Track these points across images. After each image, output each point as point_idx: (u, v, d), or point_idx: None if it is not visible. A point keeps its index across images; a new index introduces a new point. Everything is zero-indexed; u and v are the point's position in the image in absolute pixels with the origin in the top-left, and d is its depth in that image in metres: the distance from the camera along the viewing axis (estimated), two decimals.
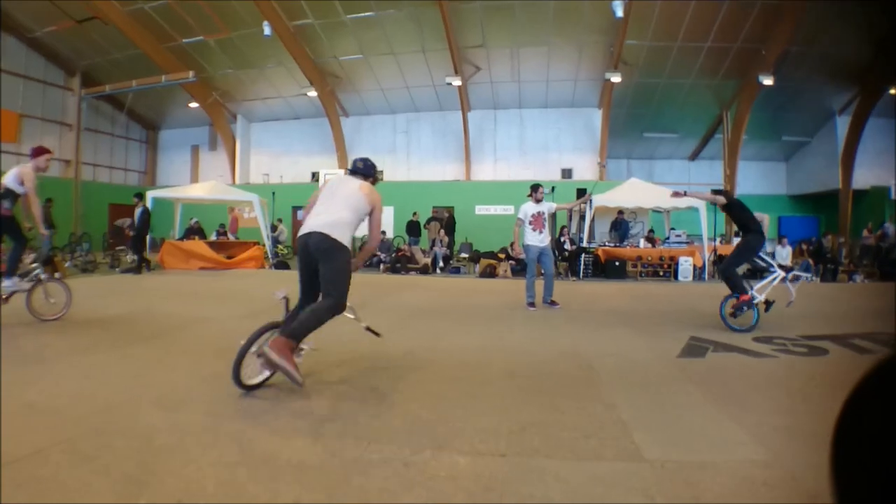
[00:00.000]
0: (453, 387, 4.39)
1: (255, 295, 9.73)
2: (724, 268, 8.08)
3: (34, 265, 7.23)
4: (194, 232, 18.31)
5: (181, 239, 17.51)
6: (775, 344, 6.42)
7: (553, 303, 9.24)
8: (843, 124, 24.22)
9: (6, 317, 6.47)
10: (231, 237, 18.58)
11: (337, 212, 4.37)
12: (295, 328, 3.84)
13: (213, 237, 18.35)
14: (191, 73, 21.08)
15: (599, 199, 16.88)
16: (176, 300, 9.38)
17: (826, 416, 2.89)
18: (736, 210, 8.18)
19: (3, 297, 6.74)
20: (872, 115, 22.82)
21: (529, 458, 3.00)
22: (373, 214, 4.63)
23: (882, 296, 12.16)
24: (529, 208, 9.49)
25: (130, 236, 15.62)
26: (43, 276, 7.10)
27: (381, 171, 4.23)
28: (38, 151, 7.20)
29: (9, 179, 6.89)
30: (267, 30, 19.70)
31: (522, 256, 12.04)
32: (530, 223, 9.42)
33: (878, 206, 23.32)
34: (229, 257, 16.51)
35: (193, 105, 24.60)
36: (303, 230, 4.31)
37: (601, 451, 3.13)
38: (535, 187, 9.56)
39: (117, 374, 4.46)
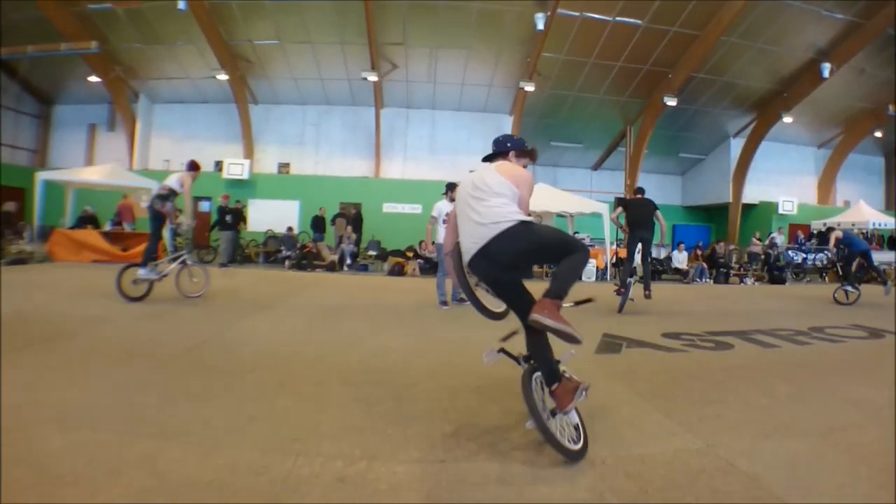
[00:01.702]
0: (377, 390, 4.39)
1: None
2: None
3: (180, 252, 9.12)
4: (87, 221, 17.28)
5: (73, 228, 16.50)
6: (683, 339, 6.89)
7: (463, 300, 9.39)
8: (736, 145, 26.68)
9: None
10: (126, 227, 17.59)
11: (489, 209, 3.47)
12: (557, 287, 3.27)
13: (107, 227, 17.30)
14: (94, 44, 19.70)
15: None
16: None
17: (745, 403, 3.86)
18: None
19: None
20: (765, 138, 25.20)
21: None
22: (520, 197, 3.61)
23: (772, 296, 13.29)
24: (444, 207, 9.44)
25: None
26: (189, 262, 9.15)
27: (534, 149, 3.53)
28: (195, 166, 9.42)
29: (172, 182, 8.91)
30: (182, 4, 18.37)
31: (433, 255, 12.10)
32: (444, 222, 9.14)
33: (764, 219, 26.21)
34: (124, 249, 15.58)
35: (94, 79, 22.80)
36: (469, 254, 3.51)
37: (542, 451, 3.22)
38: (451, 186, 9.40)
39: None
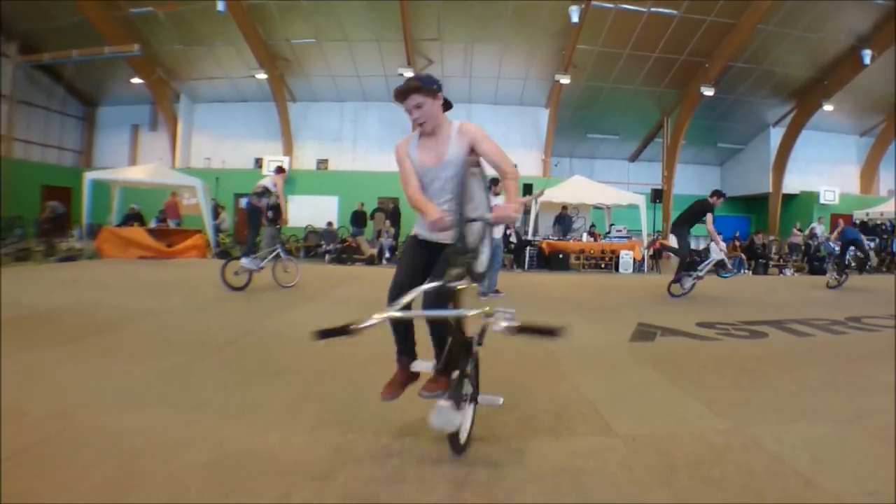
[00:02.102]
0: None
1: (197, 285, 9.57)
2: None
3: (276, 247, 9.86)
4: (133, 218, 17.71)
5: (119, 225, 16.92)
6: (718, 329, 6.89)
7: (497, 291, 9.66)
8: (776, 135, 26.20)
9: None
10: (171, 224, 17.99)
11: None
12: None
13: (152, 224, 17.70)
14: (136, 47, 20.28)
15: (544, 195, 17.37)
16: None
17: (775, 389, 3.91)
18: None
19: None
20: (806, 127, 24.77)
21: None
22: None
23: (811, 287, 12.99)
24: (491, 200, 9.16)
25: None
26: (283, 255, 9.99)
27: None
28: (281, 170, 10.68)
29: (267, 182, 9.98)
30: (221, 5, 18.85)
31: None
32: None
33: (805, 209, 25.69)
34: (169, 245, 15.95)
35: (136, 81, 23.48)
36: None
37: (574, 428, 3.37)
38: (495, 181, 9.10)
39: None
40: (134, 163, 24.87)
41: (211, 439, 3.03)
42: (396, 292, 3.02)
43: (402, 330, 3.25)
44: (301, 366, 4.74)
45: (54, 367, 4.38)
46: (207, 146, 25.41)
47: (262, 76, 22.60)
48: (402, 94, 3.09)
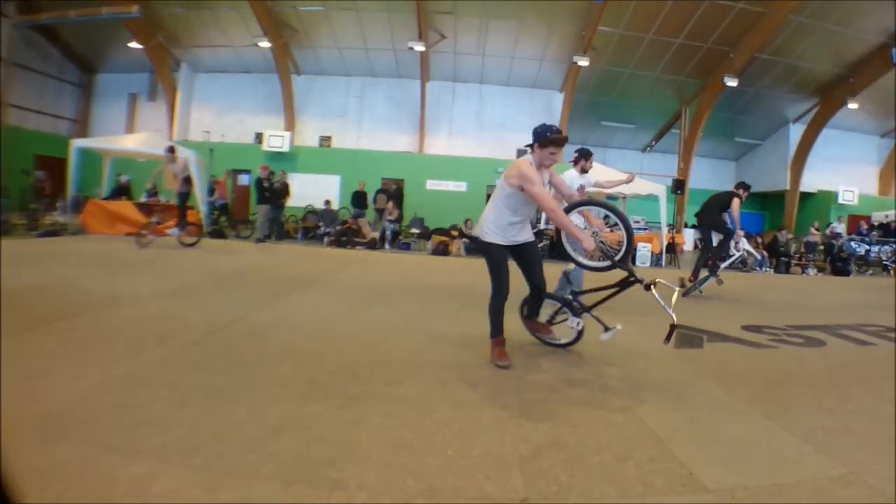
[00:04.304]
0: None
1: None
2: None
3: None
4: (121, 190, 16.80)
5: (108, 198, 16.05)
6: (767, 333, 6.10)
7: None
8: (795, 131, 25.56)
9: None
10: (161, 199, 17.01)
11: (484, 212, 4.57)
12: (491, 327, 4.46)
13: (142, 198, 16.76)
14: (135, 8, 19.15)
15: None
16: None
17: (869, 413, 3.03)
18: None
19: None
20: (827, 125, 24.22)
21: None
22: (525, 190, 4.17)
23: (841, 288, 12.44)
24: (574, 179, 7.33)
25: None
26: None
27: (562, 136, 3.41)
28: (172, 150, 11.74)
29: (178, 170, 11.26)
30: None
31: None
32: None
33: (823, 208, 25.26)
34: (159, 222, 15.04)
35: (135, 46, 22.46)
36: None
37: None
38: (587, 154, 7.48)
39: None
40: (131, 133, 23.84)
41: None
42: (523, 302, 4.88)
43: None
44: None
45: None
46: (207, 118, 24.44)
47: (265, 44, 21.52)
48: (561, 144, 4.23)
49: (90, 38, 23.45)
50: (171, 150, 11.96)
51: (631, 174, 8.64)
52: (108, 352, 4.08)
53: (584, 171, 7.37)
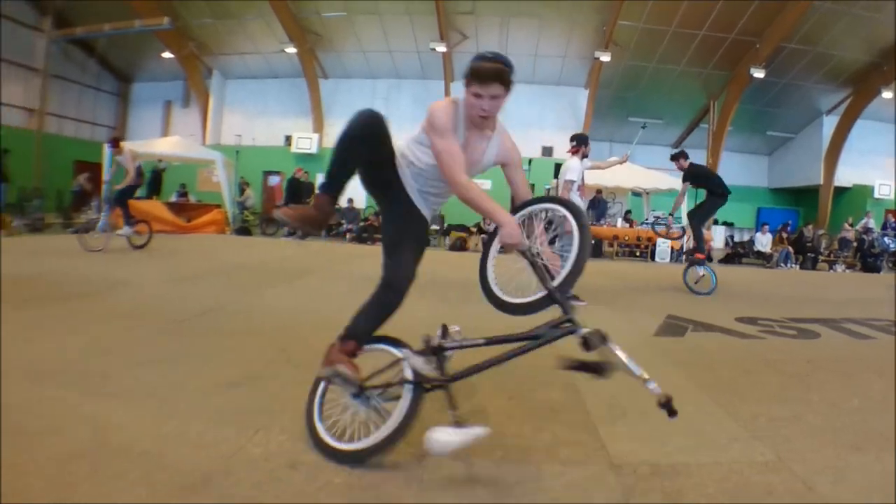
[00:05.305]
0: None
1: None
2: (691, 214, 8.77)
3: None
4: (154, 181, 17.32)
5: (140, 198, 16.60)
6: (760, 325, 6.01)
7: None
8: (828, 124, 24.70)
9: None
10: (193, 199, 17.56)
11: None
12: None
13: (173, 198, 17.33)
14: (166, 20, 19.92)
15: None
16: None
17: (832, 404, 2.78)
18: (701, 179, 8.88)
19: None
20: (861, 116, 23.31)
21: None
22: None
23: (865, 284, 12.13)
24: (578, 166, 7.07)
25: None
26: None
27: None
28: (117, 142, 10.76)
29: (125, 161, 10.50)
30: None
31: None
32: (579, 188, 7.16)
33: (858, 203, 24.04)
34: (188, 220, 15.56)
35: (167, 55, 23.32)
36: None
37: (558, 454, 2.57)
38: (584, 140, 7.26)
39: None
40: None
41: None
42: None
43: None
44: None
45: None
46: (238, 123, 25.16)
47: (291, 50, 22.09)
48: (485, 77, 2.39)
49: (125, 50, 24.41)
50: (115, 142, 10.83)
51: (625, 155, 8.68)
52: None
53: (584, 157, 7.36)
